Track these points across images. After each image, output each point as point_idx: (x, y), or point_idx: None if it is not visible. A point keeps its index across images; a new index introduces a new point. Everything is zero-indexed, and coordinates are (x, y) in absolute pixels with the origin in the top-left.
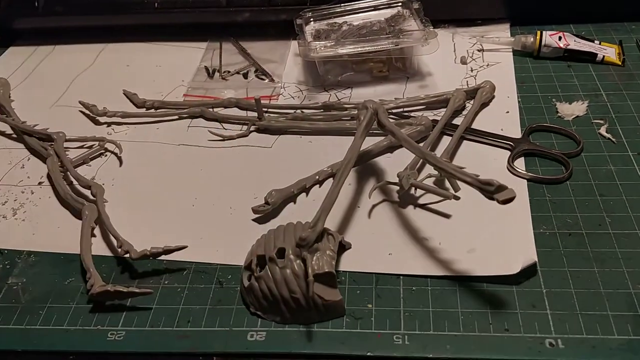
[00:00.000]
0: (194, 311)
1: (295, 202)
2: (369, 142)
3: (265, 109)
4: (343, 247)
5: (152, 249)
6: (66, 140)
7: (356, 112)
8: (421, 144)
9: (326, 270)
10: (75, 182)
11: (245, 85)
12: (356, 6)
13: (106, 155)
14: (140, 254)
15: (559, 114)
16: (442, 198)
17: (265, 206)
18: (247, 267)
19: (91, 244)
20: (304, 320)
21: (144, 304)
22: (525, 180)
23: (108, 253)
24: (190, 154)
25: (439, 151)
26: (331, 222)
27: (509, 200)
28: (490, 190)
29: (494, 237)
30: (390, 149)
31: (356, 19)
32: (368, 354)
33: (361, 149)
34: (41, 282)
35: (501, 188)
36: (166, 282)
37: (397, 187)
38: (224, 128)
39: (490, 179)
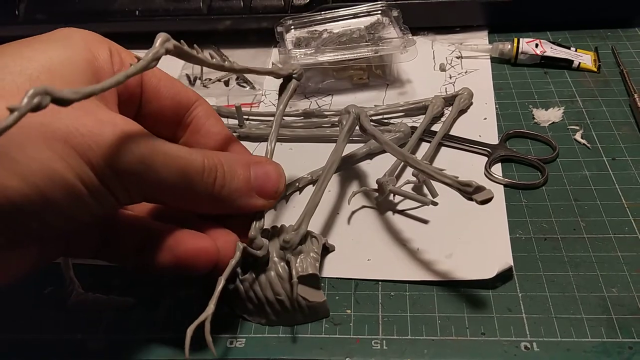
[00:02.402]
0: (176, 318)
1: (275, 209)
2: (349, 149)
3: (246, 117)
4: (327, 250)
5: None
6: None
7: (336, 119)
8: None
9: (310, 272)
10: None
11: (226, 93)
12: (336, 14)
13: None
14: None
15: (536, 120)
16: (420, 204)
17: None
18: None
19: None
20: (288, 321)
21: (125, 312)
22: (502, 186)
23: (89, 261)
24: None
25: (418, 157)
26: (311, 228)
27: (487, 200)
28: (469, 191)
29: (471, 241)
30: (370, 155)
31: (336, 27)
32: (347, 359)
33: (341, 155)
34: (19, 290)
35: (479, 189)
36: (146, 290)
37: (376, 194)
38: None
39: (469, 181)
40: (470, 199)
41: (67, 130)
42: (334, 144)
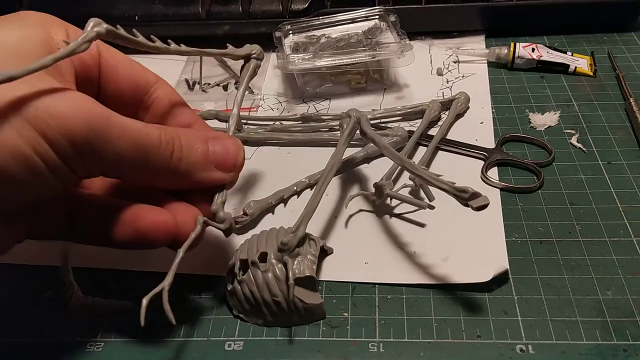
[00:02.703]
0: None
1: (273, 213)
2: (347, 153)
3: (244, 121)
4: (325, 252)
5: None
6: None
7: (335, 123)
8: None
9: (307, 274)
10: None
11: (225, 98)
12: (334, 19)
13: None
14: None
15: (532, 124)
16: (417, 208)
17: (243, 217)
18: (230, 271)
19: (71, 256)
20: (285, 323)
21: (124, 315)
22: (498, 190)
23: (88, 265)
24: None
25: (415, 161)
26: (309, 231)
27: (483, 207)
28: (465, 197)
29: (467, 245)
30: (367, 159)
31: (334, 32)
32: None
33: (341, 159)
34: (18, 294)
35: (475, 195)
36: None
37: (374, 197)
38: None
39: (465, 187)
40: (466, 205)
41: (23, 104)
42: (332, 148)
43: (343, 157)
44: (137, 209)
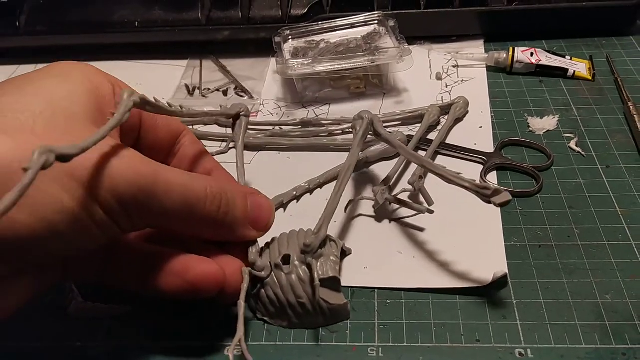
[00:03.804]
0: (175, 326)
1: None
2: (343, 158)
3: None
4: (344, 253)
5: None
6: None
7: (334, 127)
8: (397, 159)
9: (331, 275)
10: None
11: (225, 103)
12: (333, 24)
13: None
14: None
15: (531, 129)
16: (416, 212)
17: None
18: (252, 275)
19: None
20: (310, 325)
21: (124, 320)
22: None
23: None
24: None
25: (414, 166)
26: None
27: (505, 203)
28: (487, 194)
29: (467, 249)
30: (367, 164)
31: (333, 37)
32: None
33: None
34: None
35: (497, 192)
36: (146, 299)
37: (373, 202)
38: (204, 145)
39: (487, 184)
40: (489, 202)
41: (73, 165)
42: (332, 153)
43: (340, 162)
44: (187, 260)
